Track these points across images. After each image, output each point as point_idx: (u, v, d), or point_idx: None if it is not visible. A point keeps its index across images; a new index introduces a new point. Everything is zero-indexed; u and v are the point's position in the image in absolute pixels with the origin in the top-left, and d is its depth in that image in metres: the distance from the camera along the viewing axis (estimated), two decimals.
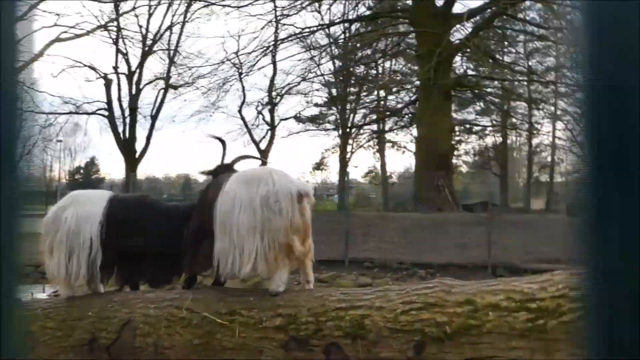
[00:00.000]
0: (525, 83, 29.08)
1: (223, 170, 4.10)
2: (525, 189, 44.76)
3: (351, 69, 31.07)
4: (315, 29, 21.88)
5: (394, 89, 30.55)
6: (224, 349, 3.26)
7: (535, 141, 42.29)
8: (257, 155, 30.85)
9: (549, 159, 43.62)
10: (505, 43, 23.99)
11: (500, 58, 22.26)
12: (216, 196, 3.48)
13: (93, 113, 34.74)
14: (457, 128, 30.11)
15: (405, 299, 2.92)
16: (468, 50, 15.77)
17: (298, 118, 37.95)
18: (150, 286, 4.15)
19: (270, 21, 20.31)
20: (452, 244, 11.73)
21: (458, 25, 15.62)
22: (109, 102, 34.00)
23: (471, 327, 2.67)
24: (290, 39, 21.46)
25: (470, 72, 22.08)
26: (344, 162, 36.63)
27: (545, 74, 29.05)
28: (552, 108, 35.13)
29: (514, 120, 36.19)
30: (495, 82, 23.49)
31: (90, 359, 3.70)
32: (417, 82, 27.81)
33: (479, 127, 36.39)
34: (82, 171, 59.17)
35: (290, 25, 20.44)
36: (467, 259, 10.60)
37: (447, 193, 15.79)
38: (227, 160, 4.21)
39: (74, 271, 4.01)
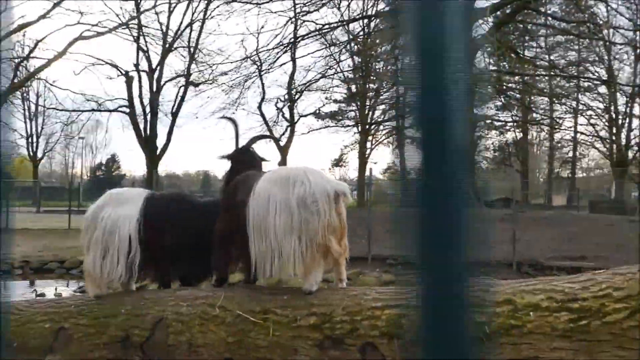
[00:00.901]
0: (546, 78, 28.69)
1: (240, 154, 4.08)
2: (546, 185, 44.21)
3: (370, 65, 30.89)
4: (335, 25, 21.80)
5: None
6: (258, 347, 3.25)
7: (556, 136, 41.84)
8: (276, 154, 30.97)
9: (570, 154, 43.07)
10: (526, 37, 23.67)
11: (522, 52, 21.96)
12: (247, 197, 3.45)
13: (114, 110, 35.07)
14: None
15: None
16: (489, 44, 15.55)
17: (317, 114, 37.96)
18: (187, 284, 4.16)
19: (291, 18, 20.25)
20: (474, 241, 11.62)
21: (480, 20, 15.36)
22: (130, 99, 34.28)
23: (511, 327, 2.63)
24: (310, 35, 21.40)
25: (490, 67, 21.78)
26: (363, 159, 36.53)
27: (567, 69, 28.64)
28: (574, 103, 34.71)
29: (535, 115, 35.77)
30: (517, 77, 23.21)
31: (124, 357, 3.72)
32: None
33: (500, 123, 35.93)
34: (103, 168, 59.84)
35: (311, 21, 20.38)
36: (491, 256, 10.50)
37: (469, 189, 15.57)
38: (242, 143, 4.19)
39: (108, 270, 4.05)
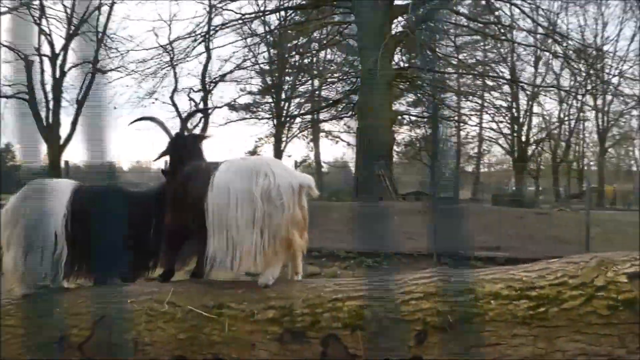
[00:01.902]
0: (456, 75, 29.91)
1: (177, 142, 3.88)
2: (454, 179, 46.10)
3: (286, 57, 30.82)
4: (252, 16, 21.53)
5: (333, 79, 30.69)
6: (213, 343, 3.14)
7: (462, 133, 43.78)
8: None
9: (475, 150, 45.24)
10: (441, 36, 24.58)
11: (438, 50, 22.80)
12: (205, 189, 3.31)
13: (12, 96, 32.81)
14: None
15: (405, 289, 2.92)
16: (405, 41, 16.03)
17: (232, 106, 37.45)
18: (124, 280, 3.94)
19: (213, 6, 19.64)
20: (396, 233, 11.92)
21: (400, 17, 15.87)
22: (30, 85, 32.21)
23: (474, 316, 2.70)
24: (227, 25, 21.00)
25: (403, 63, 22.51)
26: (278, 151, 36.47)
27: (474, 68, 29.98)
28: (480, 100, 36.47)
29: (445, 112, 37.18)
30: (429, 74, 24.03)
31: (61, 358, 3.48)
32: (353, 72, 28.02)
33: (414, 118, 37.05)
34: None
35: (230, 10, 19.98)
36: (411, 248, 10.80)
37: (387, 183, 16.06)
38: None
39: (31, 269, 3.76)
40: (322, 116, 34.25)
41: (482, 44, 31.82)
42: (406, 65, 21.04)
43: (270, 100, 37.24)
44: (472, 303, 2.72)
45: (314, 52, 27.34)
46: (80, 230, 3.80)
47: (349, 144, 43.69)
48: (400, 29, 15.80)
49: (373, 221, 12.83)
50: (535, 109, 37.82)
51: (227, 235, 3.24)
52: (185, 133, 4.04)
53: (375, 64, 13.64)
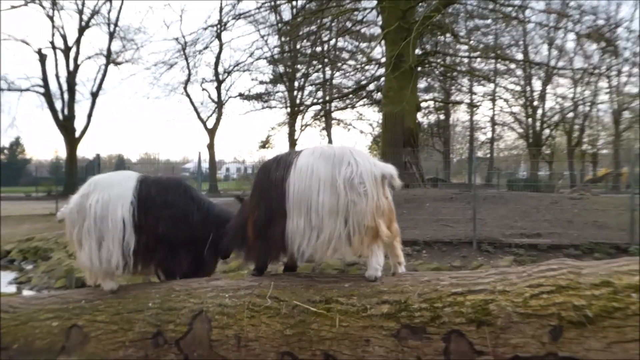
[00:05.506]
0: (467, 60, 29.53)
1: None
2: (467, 165, 45.89)
3: (298, 47, 30.56)
4: (268, 5, 21.26)
5: (346, 66, 30.45)
6: (322, 339, 3.04)
7: (475, 118, 43.54)
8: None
9: (488, 135, 44.92)
10: (458, 19, 24.33)
11: (462, 34, 22.53)
12: (287, 172, 3.24)
13: (26, 90, 32.79)
14: None
15: (531, 282, 2.80)
16: (433, 26, 15.75)
17: (244, 96, 37.35)
18: (187, 276, 3.85)
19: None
20: (431, 220, 11.80)
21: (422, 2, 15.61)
22: (45, 78, 32.16)
23: (614, 310, 2.58)
24: (241, 16, 20.74)
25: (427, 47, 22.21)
26: (292, 140, 36.34)
27: (489, 51, 29.57)
28: (492, 85, 36.15)
29: (458, 97, 36.88)
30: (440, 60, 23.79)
31: (156, 355, 3.39)
32: (366, 60, 27.72)
33: (424, 104, 36.69)
34: (6, 151, 56.30)
35: None
36: (449, 235, 10.66)
37: (415, 170, 15.90)
38: None
39: (106, 259, 3.68)
40: (336, 105, 34.01)
41: (494, 27, 31.45)
42: (430, 49, 20.76)
43: (283, 89, 37.10)
44: (611, 296, 2.59)
45: (336, 39, 27.06)
46: (147, 219, 3.72)
47: (361, 132, 43.60)
48: (422, 12, 15.53)
49: (405, 209, 12.72)
50: (550, 92, 37.48)
51: (305, 218, 3.16)
52: None
53: (403, 49, 13.43)
